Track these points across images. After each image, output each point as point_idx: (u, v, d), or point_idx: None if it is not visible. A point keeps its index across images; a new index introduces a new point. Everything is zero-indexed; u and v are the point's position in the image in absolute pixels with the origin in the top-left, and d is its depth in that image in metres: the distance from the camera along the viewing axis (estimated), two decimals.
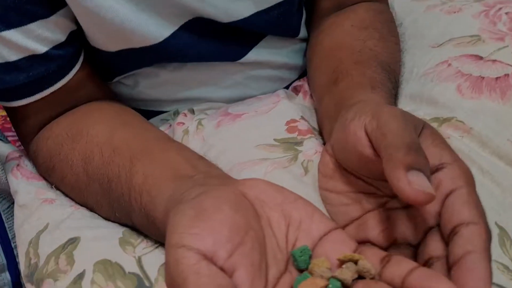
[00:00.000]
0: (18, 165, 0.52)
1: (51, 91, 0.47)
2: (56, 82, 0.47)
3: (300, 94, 0.56)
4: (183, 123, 0.53)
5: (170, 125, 0.55)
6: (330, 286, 0.27)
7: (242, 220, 0.29)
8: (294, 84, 0.59)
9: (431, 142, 0.31)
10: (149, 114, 0.57)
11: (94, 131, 0.45)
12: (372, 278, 0.28)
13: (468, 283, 0.25)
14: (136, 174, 0.40)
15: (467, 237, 0.26)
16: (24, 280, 0.44)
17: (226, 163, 0.44)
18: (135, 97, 0.56)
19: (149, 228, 0.39)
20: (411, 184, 0.26)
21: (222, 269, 0.27)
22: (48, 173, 0.49)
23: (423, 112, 0.47)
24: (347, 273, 0.28)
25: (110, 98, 0.53)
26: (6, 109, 0.49)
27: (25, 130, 0.50)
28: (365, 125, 0.31)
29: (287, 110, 0.51)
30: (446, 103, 0.46)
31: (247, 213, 0.30)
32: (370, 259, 0.29)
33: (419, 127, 0.32)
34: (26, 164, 0.52)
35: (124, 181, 0.40)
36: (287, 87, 0.59)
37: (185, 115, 0.54)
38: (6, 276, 0.53)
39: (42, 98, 0.46)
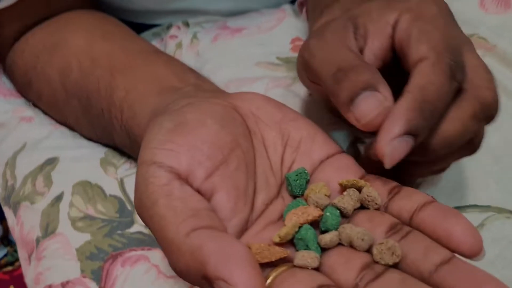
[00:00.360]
0: None
1: None
2: None
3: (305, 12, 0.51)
4: (176, 36, 0.48)
5: (162, 39, 0.50)
6: (327, 214, 0.23)
7: (229, 136, 0.25)
8: None
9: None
10: (140, 28, 0.52)
11: (72, 41, 0.41)
12: (377, 209, 0.24)
13: None
14: (117, 88, 0.36)
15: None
16: (1, 203, 0.42)
17: (222, 79, 0.40)
18: (124, 7, 0.51)
19: (132, 147, 0.35)
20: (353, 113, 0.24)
21: (199, 191, 0.23)
22: (25, 90, 0.45)
23: None
24: (348, 201, 0.24)
25: (93, 8, 0.48)
26: None
27: (0, 41, 0.45)
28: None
29: (292, 28, 0.46)
30: (467, 19, 0.42)
31: (236, 129, 0.26)
32: (377, 188, 0.24)
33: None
34: (4, 82, 0.48)
35: (104, 96, 0.36)
36: (292, 2, 0.54)
37: (179, 28, 0.50)
38: None
39: (16, 3, 0.41)
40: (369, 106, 0.23)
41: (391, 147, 0.22)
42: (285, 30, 0.46)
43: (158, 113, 0.27)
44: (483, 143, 0.35)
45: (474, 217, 0.32)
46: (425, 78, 0.24)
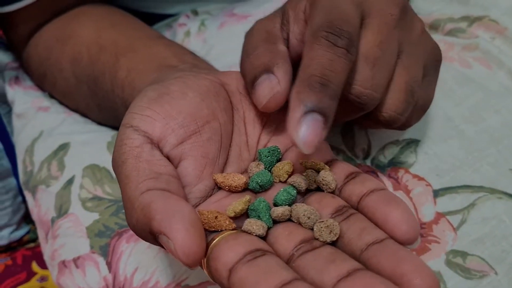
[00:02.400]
0: (16, 77, 0.50)
1: None
2: None
3: None
4: (185, 25, 0.50)
5: (172, 27, 0.51)
6: (280, 190, 0.24)
7: (207, 109, 0.26)
8: None
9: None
10: (152, 19, 0.53)
11: (82, 32, 0.42)
12: (332, 193, 0.25)
13: None
14: (120, 69, 0.37)
15: None
16: (22, 187, 0.45)
17: (226, 64, 0.41)
18: None
19: None
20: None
21: (168, 157, 0.24)
22: (41, 81, 0.47)
23: (451, 11, 0.42)
24: (301, 180, 0.25)
25: (103, 1, 0.49)
26: None
27: (16, 38, 0.47)
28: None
29: None
30: (479, 1, 0.41)
31: (217, 103, 0.26)
32: (336, 174, 0.25)
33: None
34: (24, 78, 0.50)
35: (108, 77, 0.38)
36: None
37: (188, 16, 0.51)
38: (13, 180, 0.53)
39: (32, 4, 0.43)
40: (263, 91, 0.24)
41: (300, 133, 0.22)
42: None
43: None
44: (481, 125, 0.36)
45: (465, 197, 0.32)
46: (305, 58, 0.23)
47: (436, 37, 0.42)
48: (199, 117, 0.25)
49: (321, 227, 0.22)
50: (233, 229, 0.22)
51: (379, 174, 0.34)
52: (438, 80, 0.38)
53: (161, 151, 0.24)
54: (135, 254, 0.33)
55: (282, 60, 0.25)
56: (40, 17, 0.45)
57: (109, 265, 0.33)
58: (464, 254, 0.31)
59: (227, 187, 0.25)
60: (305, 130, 0.22)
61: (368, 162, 0.34)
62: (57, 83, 0.44)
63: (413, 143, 0.34)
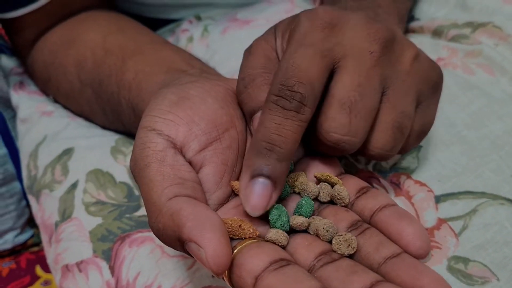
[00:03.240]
0: (21, 82, 0.51)
1: (47, 1, 0.44)
2: None
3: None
4: (188, 30, 0.50)
5: (174, 32, 0.52)
6: (302, 202, 0.25)
7: (226, 117, 0.26)
8: None
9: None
10: (155, 24, 0.54)
11: (87, 36, 0.43)
12: (345, 206, 0.26)
13: None
14: (127, 71, 0.38)
15: None
16: (26, 191, 0.45)
17: (229, 69, 0.42)
18: (140, 1, 0.52)
19: (137, 124, 0.37)
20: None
21: (190, 162, 0.25)
22: (45, 85, 0.48)
23: (455, 17, 0.43)
24: (315, 190, 0.25)
25: (108, 8, 0.50)
26: (2, 22, 0.47)
27: (21, 43, 0.48)
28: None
29: None
30: (483, 7, 0.41)
31: (233, 111, 0.27)
32: (348, 188, 0.26)
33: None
34: (29, 84, 0.51)
35: (114, 80, 0.38)
36: None
37: (191, 22, 0.51)
38: (17, 185, 0.53)
39: (37, 9, 0.44)
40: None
41: (248, 198, 0.23)
42: None
43: (163, 87, 0.29)
44: (483, 131, 0.36)
45: (467, 203, 0.32)
46: (258, 122, 0.24)
47: (440, 43, 0.42)
48: (219, 124, 0.26)
49: (340, 241, 0.23)
50: (255, 238, 0.23)
51: (381, 179, 0.34)
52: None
53: (183, 156, 0.25)
54: (137, 258, 0.33)
55: None
56: (45, 23, 0.45)
57: (111, 269, 0.33)
58: (465, 260, 0.31)
59: None
60: (254, 195, 0.22)
61: (370, 168, 0.34)
62: (61, 87, 0.45)
63: (415, 149, 0.34)
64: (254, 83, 0.26)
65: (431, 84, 0.28)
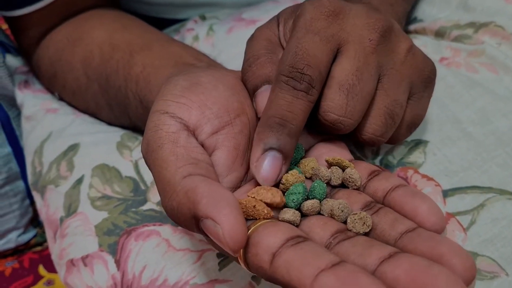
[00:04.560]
0: (26, 81, 0.51)
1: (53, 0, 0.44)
2: None
3: None
4: (193, 29, 0.50)
5: (180, 32, 0.52)
6: (315, 185, 0.25)
7: (237, 103, 0.27)
8: None
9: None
10: (161, 24, 0.54)
11: (94, 33, 0.43)
12: (357, 189, 0.26)
13: None
14: (134, 65, 0.38)
15: None
16: (31, 188, 0.45)
17: (235, 68, 0.41)
18: (146, 0, 0.53)
19: (143, 115, 0.37)
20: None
21: (202, 144, 0.25)
22: (51, 82, 0.48)
23: (457, 17, 0.43)
24: (327, 174, 0.26)
25: (113, 6, 0.50)
26: (7, 20, 0.47)
27: (26, 42, 0.48)
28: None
29: None
30: (485, 7, 0.42)
31: (243, 99, 0.27)
32: (360, 171, 0.26)
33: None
34: (34, 82, 0.51)
35: (121, 74, 0.39)
36: None
37: (196, 21, 0.51)
38: (21, 184, 0.53)
39: (43, 7, 0.44)
40: (263, 100, 0.26)
41: (257, 167, 0.24)
42: None
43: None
44: (489, 127, 0.36)
45: (475, 198, 0.32)
46: (268, 100, 0.25)
47: (443, 43, 0.43)
48: (231, 109, 0.26)
49: (355, 219, 0.23)
50: (269, 218, 0.23)
51: None
52: (445, 84, 0.38)
53: (196, 138, 0.25)
54: (143, 252, 0.33)
55: None
56: (51, 21, 0.46)
57: (117, 263, 0.33)
58: (474, 255, 0.31)
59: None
60: (265, 167, 0.24)
61: (377, 162, 0.34)
62: (67, 83, 0.45)
63: (422, 144, 0.35)
64: (258, 61, 0.27)
65: (423, 77, 0.29)
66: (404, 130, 0.30)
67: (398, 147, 0.35)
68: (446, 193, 0.33)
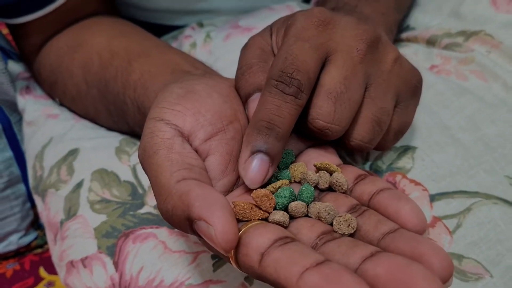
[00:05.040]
0: (27, 87, 0.52)
1: (54, 8, 0.45)
2: None
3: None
4: (191, 36, 0.51)
5: (177, 39, 0.53)
6: (303, 188, 0.26)
7: (230, 110, 0.28)
8: None
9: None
10: (159, 31, 0.55)
11: (93, 40, 0.44)
12: (344, 193, 0.27)
13: None
14: (132, 72, 0.39)
15: None
16: (32, 191, 0.46)
17: (232, 75, 0.42)
18: (144, 6, 0.54)
19: (142, 122, 0.38)
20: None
21: (196, 150, 0.26)
22: (52, 88, 0.49)
23: (449, 26, 0.44)
24: (315, 178, 0.27)
25: (113, 14, 0.51)
26: (9, 27, 0.48)
27: (28, 48, 0.49)
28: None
29: None
30: (476, 16, 0.43)
31: (236, 106, 0.28)
32: (346, 175, 0.27)
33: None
34: (35, 88, 0.52)
35: (120, 80, 0.40)
36: (307, 1, 0.55)
37: (193, 28, 0.52)
38: (22, 187, 0.54)
39: (44, 16, 0.45)
40: (255, 106, 0.27)
41: (245, 169, 0.25)
42: None
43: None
44: (477, 134, 0.37)
45: (461, 202, 0.33)
46: (257, 104, 0.26)
47: (433, 51, 0.44)
48: (224, 116, 0.27)
49: (340, 221, 0.24)
50: (259, 220, 0.24)
51: None
52: (435, 92, 0.39)
53: (190, 144, 0.26)
54: (141, 254, 0.34)
55: None
56: (52, 28, 0.47)
57: (115, 264, 0.34)
58: (459, 257, 0.31)
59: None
60: (253, 169, 0.25)
61: (367, 167, 0.35)
62: (68, 89, 0.46)
63: (410, 150, 0.36)
64: (251, 70, 0.28)
65: (410, 86, 0.30)
66: (391, 137, 0.31)
67: (387, 153, 0.36)
68: (433, 198, 0.34)
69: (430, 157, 0.35)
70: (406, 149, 0.36)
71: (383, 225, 0.23)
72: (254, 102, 0.27)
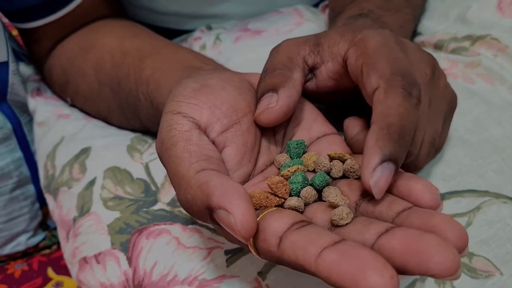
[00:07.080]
0: (38, 89, 0.53)
1: (65, 13, 0.46)
2: (69, 3, 0.45)
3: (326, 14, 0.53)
4: (200, 38, 0.52)
5: (187, 41, 0.54)
6: (316, 174, 0.26)
7: (244, 103, 0.28)
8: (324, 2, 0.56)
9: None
10: (169, 35, 0.55)
11: (104, 41, 0.45)
12: (357, 179, 0.27)
13: None
14: (145, 69, 0.39)
15: None
16: (43, 190, 0.46)
17: None
18: (154, 9, 0.54)
19: (154, 116, 0.39)
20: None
21: (213, 142, 0.27)
22: (63, 89, 0.49)
23: (455, 30, 0.45)
24: (327, 164, 0.27)
25: (123, 17, 0.52)
26: (20, 31, 0.49)
27: (38, 52, 0.49)
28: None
29: (310, 32, 0.48)
30: (482, 21, 0.43)
31: (250, 98, 0.29)
32: (359, 162, 0.28)
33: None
34: (46, 90, 0.53)
35: (132, 77, 0.40)
36: (316, 5, 0.56)
37: (202, 31, 0.53)
38: (31, 187, 0.55)
39: (56, 20, 0.46)
40: (261, 105, 0.27)
41: (374, 179, 0.23)
42: (302, 34, 0.49)
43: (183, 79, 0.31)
44: (485, 135, 0.37)
45: (471, 201, 0.34)
46: (383, 104, 0.24)
47: (440, 55, 0.44)
48: (239, 109, 0.28)
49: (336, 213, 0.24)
50: (275, 207, 0.24)
51: None
52: None
53: (207, 136, 0.26)
54: (154, 249, 0.34)
55: (291, 85, 0.28)
56: (63, 32, 0.47)
57: (129, 260, 0.35)
58: (470, 255, 0.32)
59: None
60: (382, 178, 0.23)
61: None
62: (80, 89, 0.46)
63: None
64: (273, 73, 0.28)
65: (452, 107, 0.32)
66: (432, 157, 0.32)
67: None
68: (443, 196, 0.34)
69: (439, 156, 0.36)
70: None
71: (396, 204, 0.23)
72: (263, 101, 0.27)
